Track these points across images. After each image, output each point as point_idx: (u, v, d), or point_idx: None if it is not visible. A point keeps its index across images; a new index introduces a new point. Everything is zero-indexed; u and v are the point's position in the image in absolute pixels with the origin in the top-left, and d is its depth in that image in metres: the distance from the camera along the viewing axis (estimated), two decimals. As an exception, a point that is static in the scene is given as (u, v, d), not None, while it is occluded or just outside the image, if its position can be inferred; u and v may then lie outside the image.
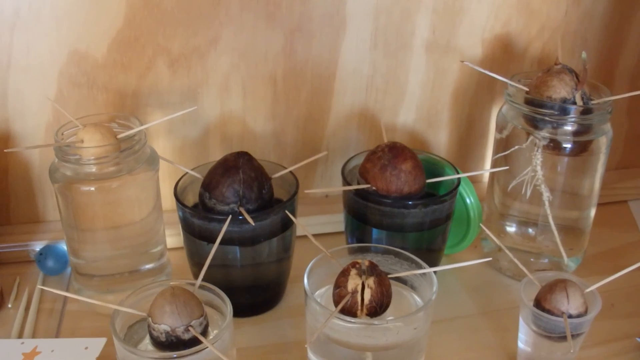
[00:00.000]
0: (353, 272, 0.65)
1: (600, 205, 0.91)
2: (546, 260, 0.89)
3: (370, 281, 0.64)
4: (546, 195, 0.83)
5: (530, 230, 0.88)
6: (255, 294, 0.82)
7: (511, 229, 0.89)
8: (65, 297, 0.83)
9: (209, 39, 0.87)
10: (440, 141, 1.03)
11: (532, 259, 0.88)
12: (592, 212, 0.88)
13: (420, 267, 0.69)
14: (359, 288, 0.64)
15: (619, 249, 0.97)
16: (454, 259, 0.93)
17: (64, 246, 0.86)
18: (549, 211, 0.83)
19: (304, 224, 0.77)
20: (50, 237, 0.91)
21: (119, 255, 0.80)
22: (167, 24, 0.85)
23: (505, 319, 0.82)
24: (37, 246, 0.89)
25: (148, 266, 0.82)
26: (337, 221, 0.90)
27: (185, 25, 0.86)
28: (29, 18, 0.82)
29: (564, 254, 0.84)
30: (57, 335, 0.79)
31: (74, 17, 0.83)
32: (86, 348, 0.72)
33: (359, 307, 0.64)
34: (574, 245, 0.89)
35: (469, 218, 0.87)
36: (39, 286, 0.72)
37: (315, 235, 0.70)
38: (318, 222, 0.95)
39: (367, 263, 0.66)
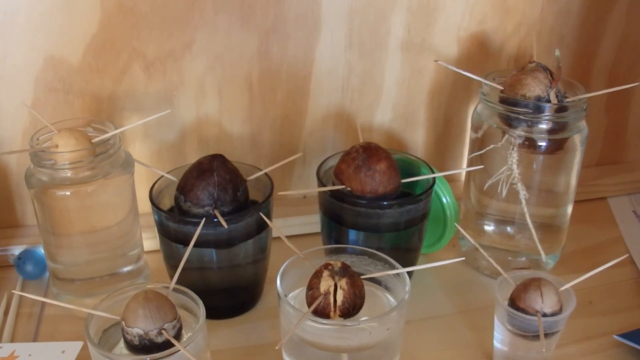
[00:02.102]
0: (325, 273, 0.65)
1: (579, 202, 0.91)
2: (524, 259, 0.89)
3: (343, 282, 0.64)
4: (522, 193, 0.83)
5: (507, 228, 0.88)
6: (232, 295, 0.82)
7: (489, 227, 0.89)
8: (43, 301, 0.83)
9: (183, 42, 0.87)
10: (417, 140, 1.03)
11: (509, 258, 0.89)
12: (569, 209, 0.88)
13: (393, 267, 0.69)
14: (332, 289, 0.64)
15: (598, 245, 0.97)
16: (431, 258, 0.93)
17: (42, 250, 0.86)
18: (525, 209, 0.83)
19: (281, 226, 0.77)
20: (29, 241, 0.91)
21: (96, 259, 0.80)
22: (141, 28, 0.85)
23: (483, 318, 0.82)
24: (16, 251, 0.89)
25: (126, 269, 0.82)
26: (315, 222, 0.90)
27: (160, 28, 0.86)
28: (4, 25, 0.82)
29: (541, 251, 0.85)
30: (35, 339, 0.79)
31: (49, 23, 0.83)
32: (63, 352, 0.72)
33: (332, 309, 0.64)
34: (551, 243, 0.89)
35: (446, 217, 0.87)
36: (15, 292, 0.73)
37: (293, 237, 0.70)
38: (296, 223, 0.95)
39: (339, 264, 0.66)
